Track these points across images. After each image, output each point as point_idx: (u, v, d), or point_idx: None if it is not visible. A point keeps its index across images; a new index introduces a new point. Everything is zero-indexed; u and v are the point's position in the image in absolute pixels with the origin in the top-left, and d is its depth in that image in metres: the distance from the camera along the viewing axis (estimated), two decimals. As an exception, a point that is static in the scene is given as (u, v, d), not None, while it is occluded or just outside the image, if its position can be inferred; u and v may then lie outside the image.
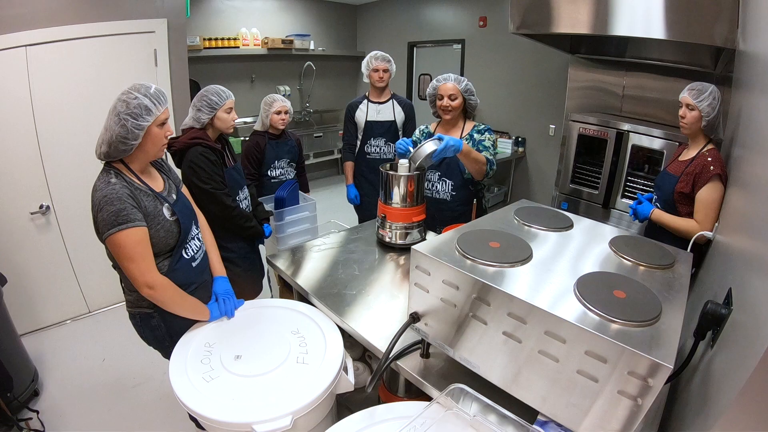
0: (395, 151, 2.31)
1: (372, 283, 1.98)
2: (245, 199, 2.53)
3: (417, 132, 2.70)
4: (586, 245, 1.44)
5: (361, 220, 3.75)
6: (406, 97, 4.29)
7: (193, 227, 1.84)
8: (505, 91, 5.58)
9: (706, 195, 2.09)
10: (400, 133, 3.48)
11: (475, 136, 2.54)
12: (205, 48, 5.54)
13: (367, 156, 3.49)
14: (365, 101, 3.45)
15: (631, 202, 3.70)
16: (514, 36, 5.53)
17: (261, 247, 2.74)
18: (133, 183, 1.60)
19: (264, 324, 1.75)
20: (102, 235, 1.52)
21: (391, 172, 2.19)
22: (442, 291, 1.27)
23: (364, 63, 3.35)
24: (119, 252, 1.53)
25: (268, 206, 2.93)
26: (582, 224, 1.62)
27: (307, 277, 2.03)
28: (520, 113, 5.52)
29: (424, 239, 2.35)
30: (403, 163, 2.19)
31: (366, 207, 3.61)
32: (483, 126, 2.57)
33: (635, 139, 3.65)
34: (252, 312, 1.85)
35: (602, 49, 4.31)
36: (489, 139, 2.52)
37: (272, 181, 3.21)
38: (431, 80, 6.29)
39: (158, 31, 3.44)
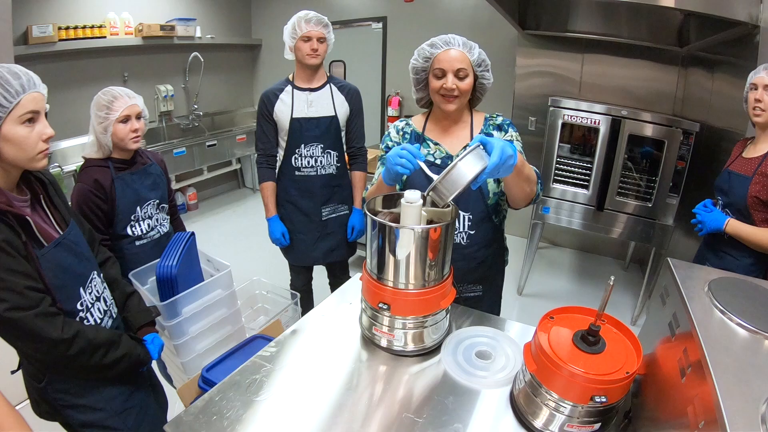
0: (390, 168, 1.26)
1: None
2: (99, 299, 1.29)
3: (393, 133, 1.65)
4: None
5: (292, 265, 2.59)
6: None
7: None
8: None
9: None
10: (342, 133, 2.38)
11: (495, 135, 1.57)
12: (61, 40, 4.08)
13: (297, 172, 2.33)
14: (288, 88, 2.28)
15: (631, 201, 3.06)
16: (447, 11, 4.80)
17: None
18: None
19: None
20: None
21: (397, 227, 1.11)
22: None
23: (287, 30, 2.17)
24: None
25: (145, 288, 1.69)
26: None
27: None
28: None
29: (450, 330, 1.31)
30: (413, 199, 1.13)
31: (299, 247, 2.45)
32: (501, 118, 1.60)
33: (632, 128, 2.89)
34: None
35: (557, 23, 3.61)
36: (517, 139, 1.58)
37: (137, 244, 1.88)
38: (345, 68, 5.30)
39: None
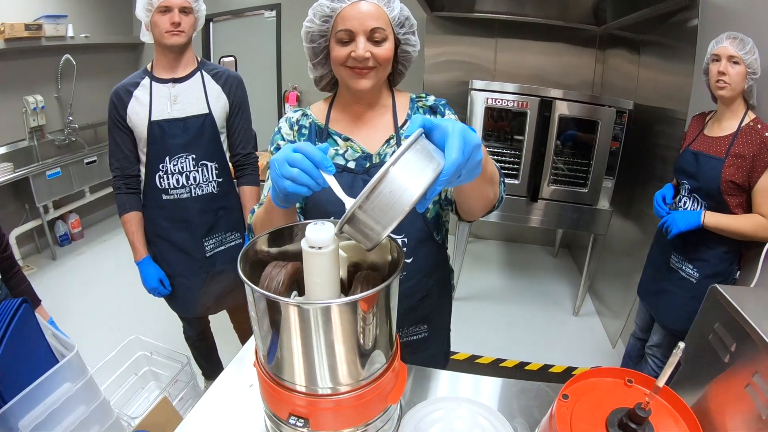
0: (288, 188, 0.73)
1: None
2: None
3: (285, 128, 1.15)
4: None
5: (182, 315, 2.00)
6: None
7: None
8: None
9: None
10: (222, 137, 1.81)
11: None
12: None
13: (164, 196, 1.73)
14: (146, 80, 1.69)
15: (565, 188, 2.80)
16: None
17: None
18: None
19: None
20: None
21: (302, 305, 0.65)
22: None
23: (140, 1, 1.60)
24: None
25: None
26: None
27: None
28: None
29: (401, 412, 0.89)
30: (322, 242, 0.68)
31: (183, 295, 1.86)
32: (432, 98, 1.18)
33: (564, 109, 2.64)
34: None
35: (465, 2, 3.35)
36: None
37: None
38: (236, 63, 4.76)
39: None
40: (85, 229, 4.36)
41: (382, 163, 1.07)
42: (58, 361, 1.28)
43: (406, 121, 1.12)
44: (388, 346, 0.75)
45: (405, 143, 0.60)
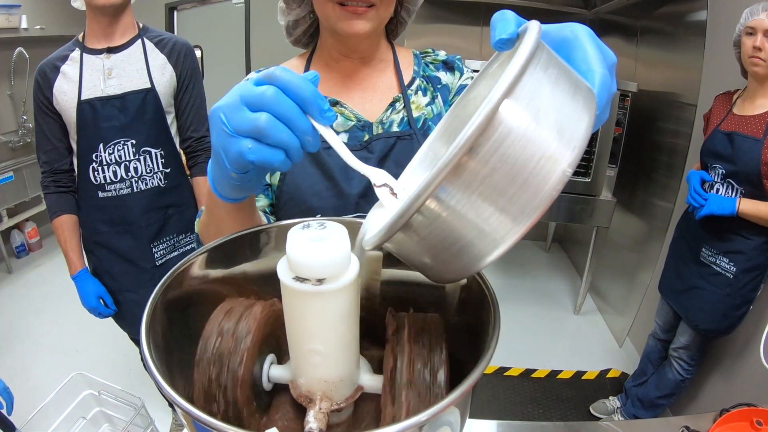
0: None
1: None
2: None
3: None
4: None
5: (133, 337, 1.67)
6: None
7: None
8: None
9: None
10: (169, 118, 1.48)
11: (444, 78, 0.85)
12: None
13: (101, 193, 1.42)
14: (76, 53, 1.38)
15: (570, 178, 2.55)
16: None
17: None
18: None
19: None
20: None
21: None
22: None
23: None
24: None
25: None
26: None
27: None
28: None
29: None
30: (319, 263, 0.35)
31: (132, 313, 1.54)
32: (443, 53, 0.88)
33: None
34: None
35: None
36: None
37: None
38: (202, 54, 4.44)
39: None
40: (44, 239, 3.96)
41: (386, 134, 0.78)
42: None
43: (413, 80, 0.82)
44: None
45: (523, 49, 0.27)
